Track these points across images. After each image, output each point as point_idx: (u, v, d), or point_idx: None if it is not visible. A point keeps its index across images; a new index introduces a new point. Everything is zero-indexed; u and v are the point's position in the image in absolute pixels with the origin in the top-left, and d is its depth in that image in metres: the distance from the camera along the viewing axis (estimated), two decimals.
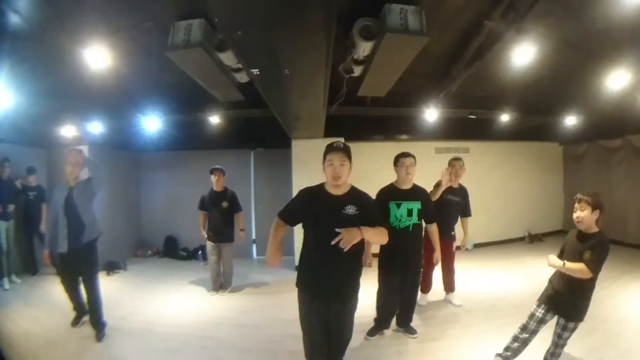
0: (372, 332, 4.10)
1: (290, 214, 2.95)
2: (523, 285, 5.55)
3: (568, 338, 3.02)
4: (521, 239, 8.58)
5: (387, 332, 4.23)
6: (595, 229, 2.84)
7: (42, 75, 4.27)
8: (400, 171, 3.92)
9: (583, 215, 2.81)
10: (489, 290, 5.54)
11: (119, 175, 7.62)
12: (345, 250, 2.60)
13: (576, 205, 2.86)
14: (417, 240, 3.97)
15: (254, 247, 8.18)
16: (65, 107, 5.45)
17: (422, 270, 4.14)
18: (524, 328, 3.14)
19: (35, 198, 6.22)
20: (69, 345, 3.92)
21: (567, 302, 2.93)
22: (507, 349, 3.22)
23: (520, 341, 3.14)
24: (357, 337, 3.93)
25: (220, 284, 5.79)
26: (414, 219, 3.86)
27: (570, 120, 6.68)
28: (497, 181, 8.49)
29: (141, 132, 6.32)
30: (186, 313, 4.87)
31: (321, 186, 2.94)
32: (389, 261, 3.90)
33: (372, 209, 2.91)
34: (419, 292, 4.92)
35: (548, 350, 3.17)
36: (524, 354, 3.23)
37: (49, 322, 4.45)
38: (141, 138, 6.75)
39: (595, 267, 2.74)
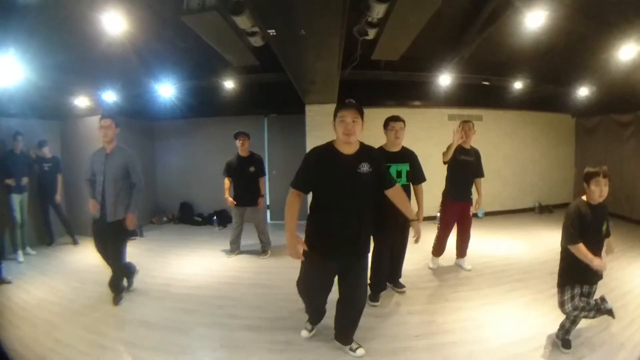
0: (373, 298, 4.11)
1: (305, 181, 2.84)
2: (531, 254, 5.62)
3: None
4: (531, 209, 8.60)
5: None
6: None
7: (54, 47, 4.27)
8: (390, 135, 3.97)
9: (607, 189, 2.85)
10: (498, 256, 5.61)
11: (134, 144, 7.61)
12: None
13: (602, 179, 2.83)
14: None
15: (268, 212, 8.21)
16: (78, 78, 5.49)
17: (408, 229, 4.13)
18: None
19: (50, 169, 6.25)
20: (86, 311, 3.97)
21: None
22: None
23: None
24: None
25: (238, 247, 5.99)
26: (403, 180, 3.94)
27: (583, 92, 6.61)
28: (509, 150, 8.47)
29: (155, 100, 6.38)
30: (202, 275, 5.01)
31: (330, 146, 2.87)
32: (381, 224, 3.81)
33: (382, 163, 2.96)
34: (431, 255, 5.05)
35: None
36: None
37: (66, 290, 4.52)
38: (155, 106, 6.81)
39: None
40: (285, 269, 5.22)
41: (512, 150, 8.51)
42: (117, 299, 4.20)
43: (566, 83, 6.52)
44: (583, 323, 3.30)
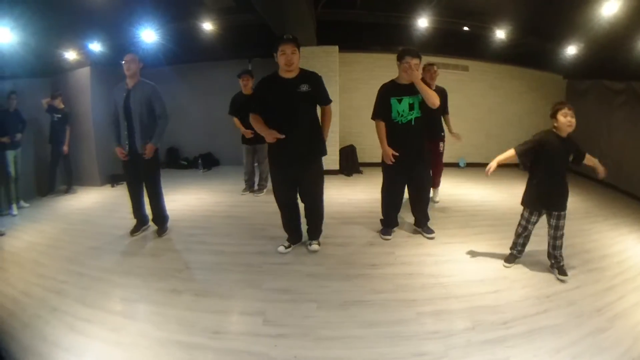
0: (385, 232, 4.24)
1: (256, 105, 3.46)
2: (507, 203, 5.63)
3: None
4: (516, 165, 8.51)
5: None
6: None
7: (39, 6, 4.32)
8: (404, 69, 3.77)
9: (574, 121, 3.11)
10: (472, 202, 5.72)
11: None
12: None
13: (569, 111, 3.11)
14: (420, 134, 3.96)
15: None
16: (65, 32, 5.55)
17: (429, 164, 4.29)
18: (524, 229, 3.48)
19: (59, 120, 6.48)
20: (70, 247, 4.18)
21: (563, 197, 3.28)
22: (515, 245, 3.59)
23: (523, 238, 3.52)
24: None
25: (252, 184, 6.17)
26: (416, 112, 3.84)
27: (571, 50, 6.53)
28: (495, 103, 8.41)
29: (140, 48, 6.39)
30: (180, 210, 5.24)
31: (275, 74, 3.44)
32: (394, 158, 3.91)
33: (320, 85, 3.49)
34: None
35: (550, 245, 3.40)
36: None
37: (54, 232, 4.71)
38: (141, 55, 6.83)
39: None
40: (259, 203, 5.53)
41: (498, 103, 8.44)
42: (160, 232, 4.43)
43: (552, 38, 6.42)
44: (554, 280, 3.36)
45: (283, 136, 3.27)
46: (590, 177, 6.86)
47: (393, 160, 3.88)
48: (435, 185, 5.48)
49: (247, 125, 5.64)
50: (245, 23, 6.27)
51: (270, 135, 3.27)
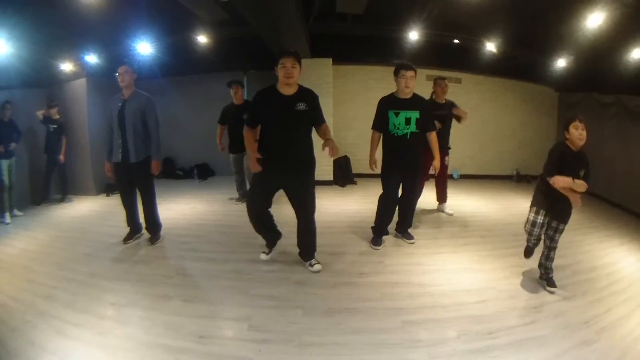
0: (376, 242, 4.30)
1: (252, 118, 3.45)
2: (498, 215, 5.68)
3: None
4: (509, 177, 8.58)
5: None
6: None
7: (36, 18, 4.40)
8: (399, 82, 3.98)
9: (585, 133, 3.11)
10: (464, 213, 5.72)
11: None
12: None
13: (581, 124, 3.11)
14: (415, 148, 4.07)
15: None
16: (61, 44, 5.65)
17: (421, 177, 4.40)
18: (530, 234, 3.47)
19: (55, 130, 6.52)
20: (62, 254, 4.19)
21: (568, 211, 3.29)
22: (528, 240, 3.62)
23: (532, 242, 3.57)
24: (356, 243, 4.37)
25: (245, 193, 6.17)
26: (412, 127, 3.97)
27: (561, 63, 6.63)
28: (488, 115, 8.46)
29: (134, 60, 6.49)
30: (173, 219, 5.28)
31: (273, 88, 3.38)
32: (389, 168, 4.11)
33: (317, 103, 3.46)
34: None
35: (544, 255, 3.44)
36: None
37: (46, 239, 4.73)
38: (135, 66, 6.93)
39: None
40: None
41: (491, 115, 8.51)
42: (154, 238, 4.47)
43: (542, 51, 6.50)
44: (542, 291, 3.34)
45: (260, 169, 3.30)
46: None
47: (374, 168, 4.17)
48: (444, 200, 5.64)
49: (232, 135, 5.84)
50: (240, 36, 6.36)
51: (254, 164, 3.29)
